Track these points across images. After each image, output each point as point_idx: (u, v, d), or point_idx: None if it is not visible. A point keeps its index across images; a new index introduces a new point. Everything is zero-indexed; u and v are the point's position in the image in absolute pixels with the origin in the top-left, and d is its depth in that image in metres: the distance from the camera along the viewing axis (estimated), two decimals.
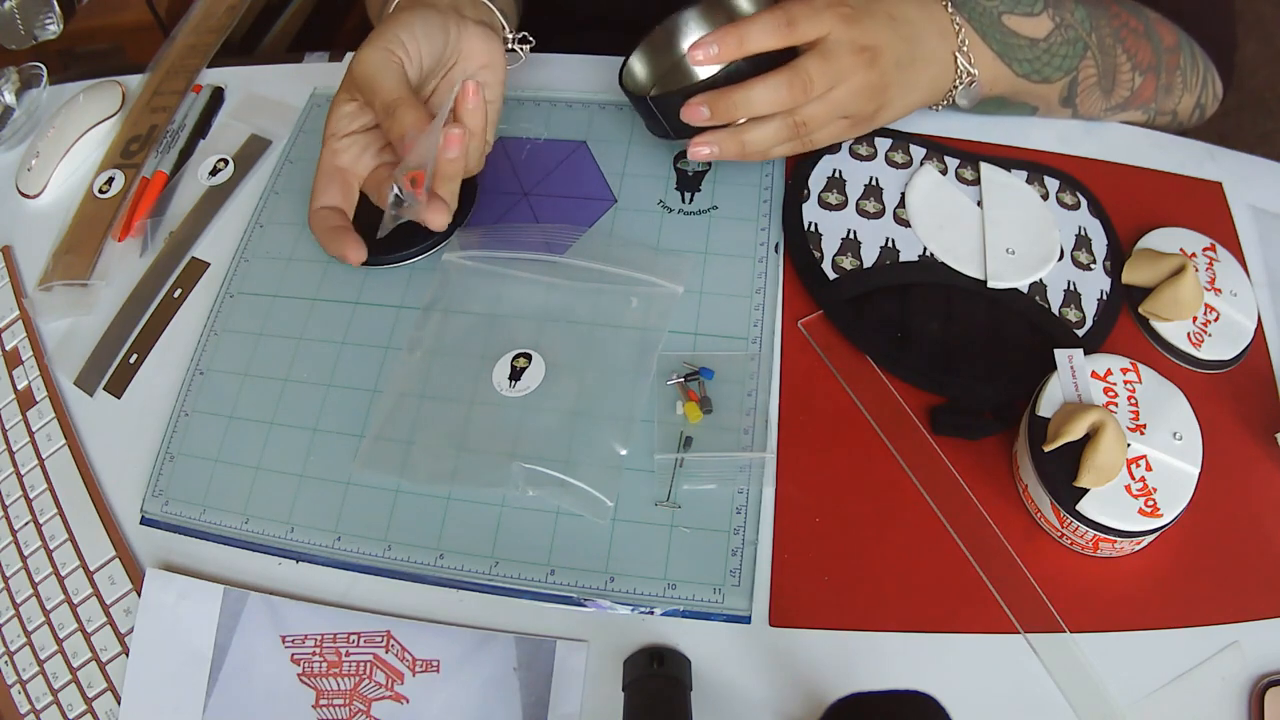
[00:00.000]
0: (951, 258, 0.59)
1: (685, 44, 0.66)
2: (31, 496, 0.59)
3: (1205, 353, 0.56)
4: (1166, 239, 0.60)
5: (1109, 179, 0.64)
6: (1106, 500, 0.47)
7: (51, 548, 0.57)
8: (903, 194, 0.62)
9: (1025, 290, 0.58)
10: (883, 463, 0.53)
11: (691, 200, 0.64)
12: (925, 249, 0.59)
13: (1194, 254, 0.59)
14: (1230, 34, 0.71)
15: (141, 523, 0.56)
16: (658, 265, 0.60)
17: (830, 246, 0.60)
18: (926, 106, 0.62)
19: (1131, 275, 0.58)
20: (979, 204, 0.61)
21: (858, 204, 0.62)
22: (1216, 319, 0.57)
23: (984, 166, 0.63)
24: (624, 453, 0.54)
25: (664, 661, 0.47)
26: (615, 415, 0.55)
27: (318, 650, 0.51)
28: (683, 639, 0.49)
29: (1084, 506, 0.47)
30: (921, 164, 0.63)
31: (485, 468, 0.54)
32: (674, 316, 0.58)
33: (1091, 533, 0.48)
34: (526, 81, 0.72)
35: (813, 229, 0.61)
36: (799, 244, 0.60)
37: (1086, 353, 0.52)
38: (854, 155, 0.64)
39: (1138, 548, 0.50)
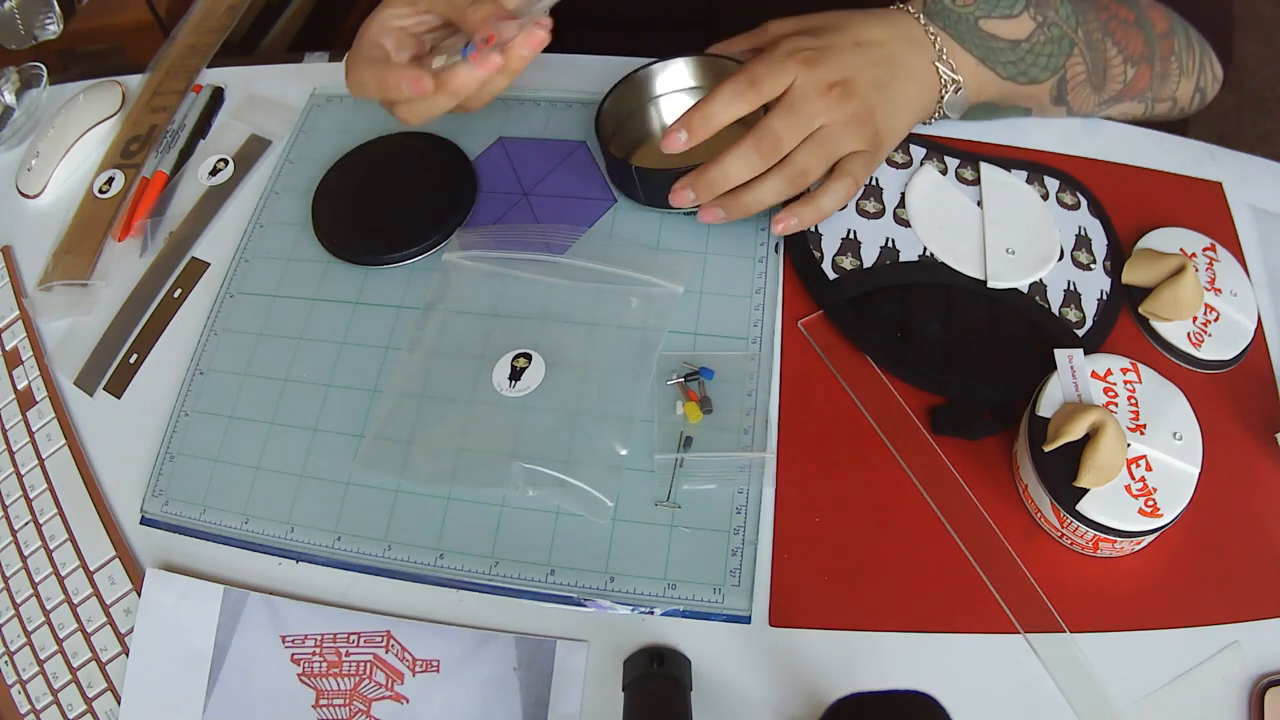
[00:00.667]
0: (951, 258, 0.59)
1: (654, 90, 0.67)
2: (31, 496, 0.59)
3: (1205, 353, 0.56)
4: (1166, 239, 0.60)
5: (1109, 179, 0.64)
6: (1106, 500, 0.47)
7: (51, 548, 0.57)
8: (903, 194, 0.62)
9: (1025, 290, 0.58)
10: (883, 463, 0.53)
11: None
12: (925, 249, 0.59)
13: (1194, 254, 0.59)
14: (1226, 13, 0.70)
15: (141, 523, 0.56)
16: (658, 265, 0.60)
17: (830, 246, 0.60)
18: (921, 121, 0.62)
19: (1131, 275, 0.58)
20: (979, 204, 0.61)
21: (857, 204, 0.62)
22: (1216, 319, 0.57)
23: (984, 166, 0.63)
24: (624, 453, 0.54)
25: (664, 661, 0.47)
26: (615, 415, 0.55)
27: (318, 650, 0.51)
28: (683, 639, 0.49)
29: (1084, 506, 0.47)
30: (921, 164, 0.63)
31: (485, 468, 0.54)
32: (674, 316, 0.58)
33: (1091, 533, 0.48)
34: (526, 81, 0.72)
35: (813, 229, 0.61)
36: (799, 244, 0.60)
37: (1086, 353, 0.52)
38: None
39: (1138, 548, 0.50)
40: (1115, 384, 0.51)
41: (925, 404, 0.55)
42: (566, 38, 0.75)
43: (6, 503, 0.60)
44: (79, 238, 0.69)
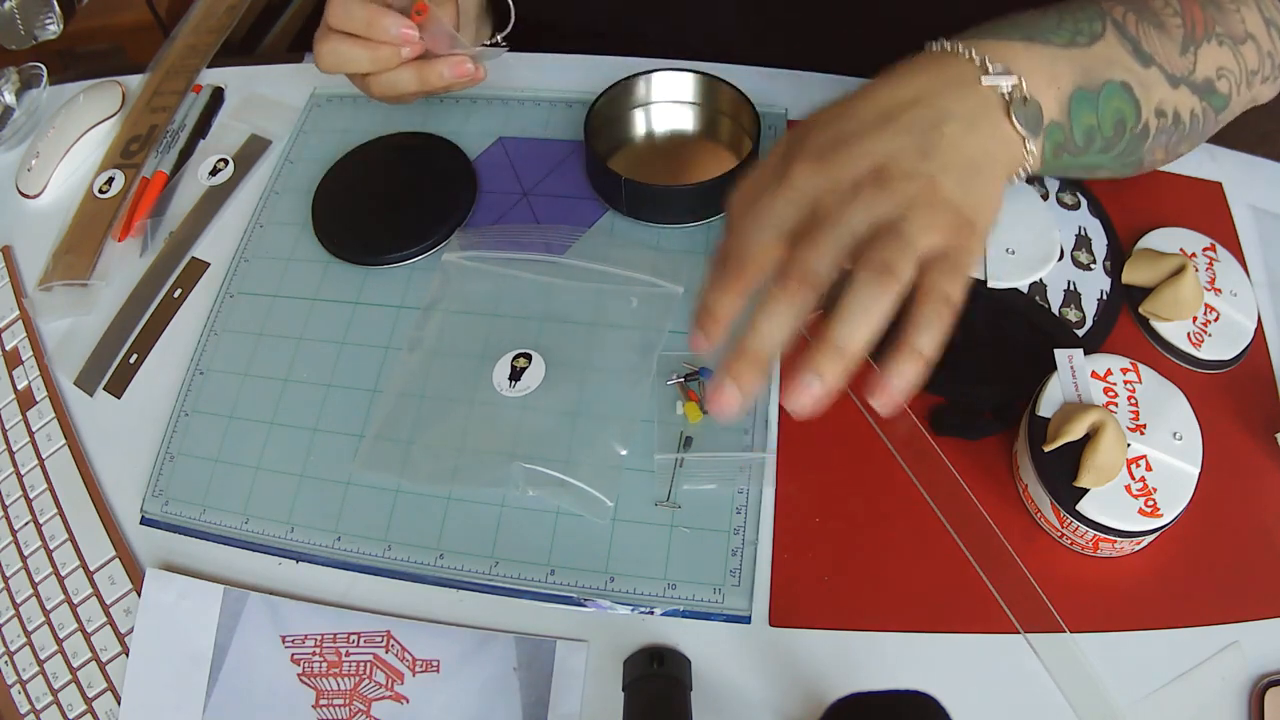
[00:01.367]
0: None
1: (644, 98, 0.67)
2: (31, 496, 0.59)
3: (1205, 353, 0.56)
4: (1166, 239, 0.60)
5: (1109, 179, 0.63)
6: (1106, 500, 0.47)
7: (51, 548, 0.57)
8: None
9: (1025, 290, 0.58)
10: (883, 463, 0.53)
11: None
12: None
13: (1194, 254, 0.59)
14: None
15: (141, 523, 0.56)
16: (658, 265, 0.60)
17: None
18: (1017, 170, 0.48)
19: (1131, 275, 0.58)
20: None
21: None
22: (1216, 319, 0.57)
23: None
24: (624, 453, 0.54)
25: (664, 661, 0.47)
26: (615, 415, 0.55)
27: (318, 650, 0.51)
28: (683, 639, 0.49)
29: (1084, 506, 0.47)
30: None
31: (485, 468, 0.54)
32: (674, 316, 0.58)
33: (1091, 533, 0.48)
34: (527, 81, 0.72)
35: None
36: None
37: (1086, 353, 0.52)
38: None
39: (1138, 548, 0.50)
40: (1115, 384, 0.51)
41: (925, 404, 0.55)
42: (557, 42, 0.75)
43: (6, 503, 0.60)
44: (79, 238, 0.69)
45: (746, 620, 0.49)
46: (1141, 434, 0.49)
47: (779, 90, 0.69)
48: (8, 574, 0.57)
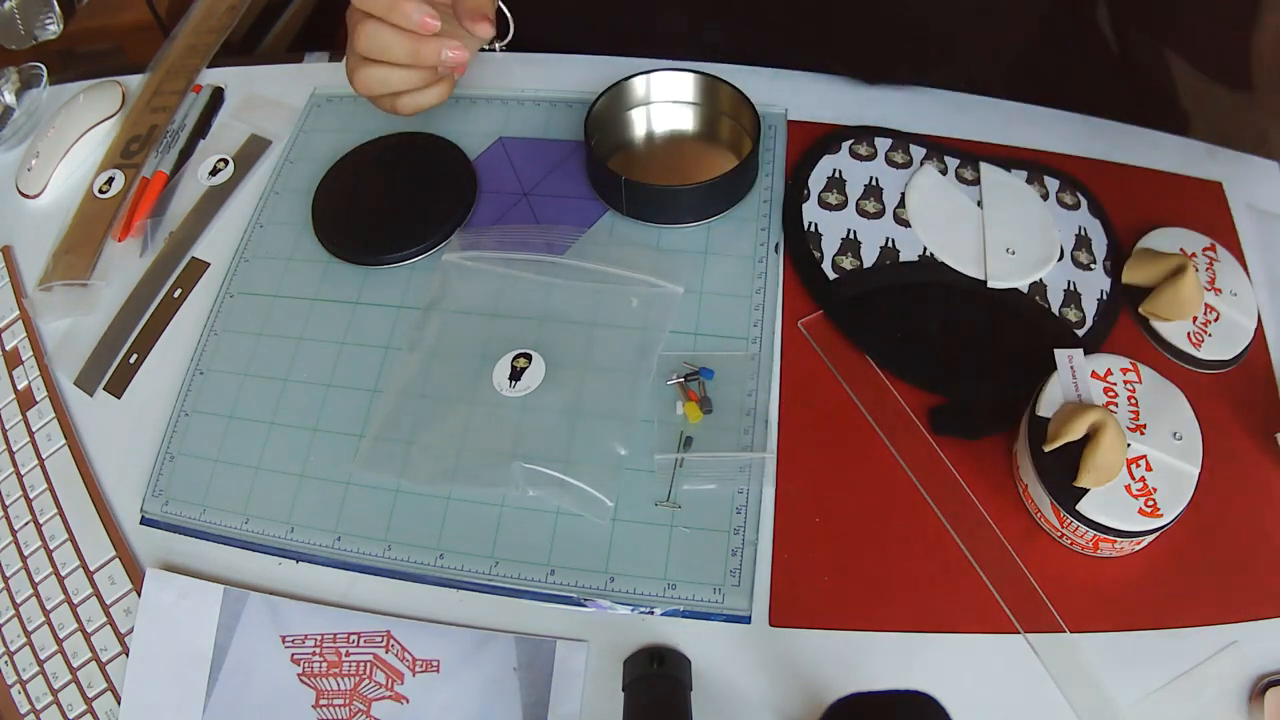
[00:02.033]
0: (951, 258, 0.59)
1: (644, 98, 0.67)
2: (31, 496, 0.59)
3: (1205, 353, 0.56)
4: (1166, 239, 0.60)
5: (1109, 179, 0.64)
6: (1106, 500, 0.47)
7: (51, 548, 0.57)
8: (903, 194, 0.62)
9: (1025, 290, 0.58)
10: (883, 463, 0.53)
11: None
12: (925, 249, 0.59)
13: (1194, 254, 0.59)
14: None
15: (141, 523, 0.56)
16: (658, 265, 0.60)
17: (830, 246, 0.60)
18: None
19: (1131, 275, 0.58)
20: (979, 204, 0.61)
21: (858, 204, 0.62)
22: (1216, 319, 0.57)
23: (984, 166, 0.63)
24: (624, 453, 0.54)
25: (664, 661, 0.47)
26: (615, 415, 0.55)
27: (318, 650, 0.51)
28: (683, 639, 0.49)
29: (1084, 506, 0.47)
30: (921, 164, 0.63)
31: (485, 468, 0.54)
32: (674, 317, 0.58)
33: (1091, 533, 0.48)
34: (527, 81, 0.72)
35: (813, 229, 0.61)
36: (799, 244, 0.60)
37: (1086, 353, 0.52)
38: (854, 155, 0.64)
39: (1138, 548, 0.50)
40: (1115, 384, 0.51)
41: (925, 404, 0.55)
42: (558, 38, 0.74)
43: (6, 503, 0.60)
44: (79, 238, 0.69)
45: (746, 620, 0.49)
46: (1141, 434, 0.49)
47: (779, 90, 0.69)
48: (8, 574, 0.57)
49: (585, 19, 0.75)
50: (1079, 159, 0.65)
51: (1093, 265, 0.59)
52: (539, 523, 0.53)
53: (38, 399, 0.62)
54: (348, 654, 0.51)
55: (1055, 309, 0.57)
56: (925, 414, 0.55)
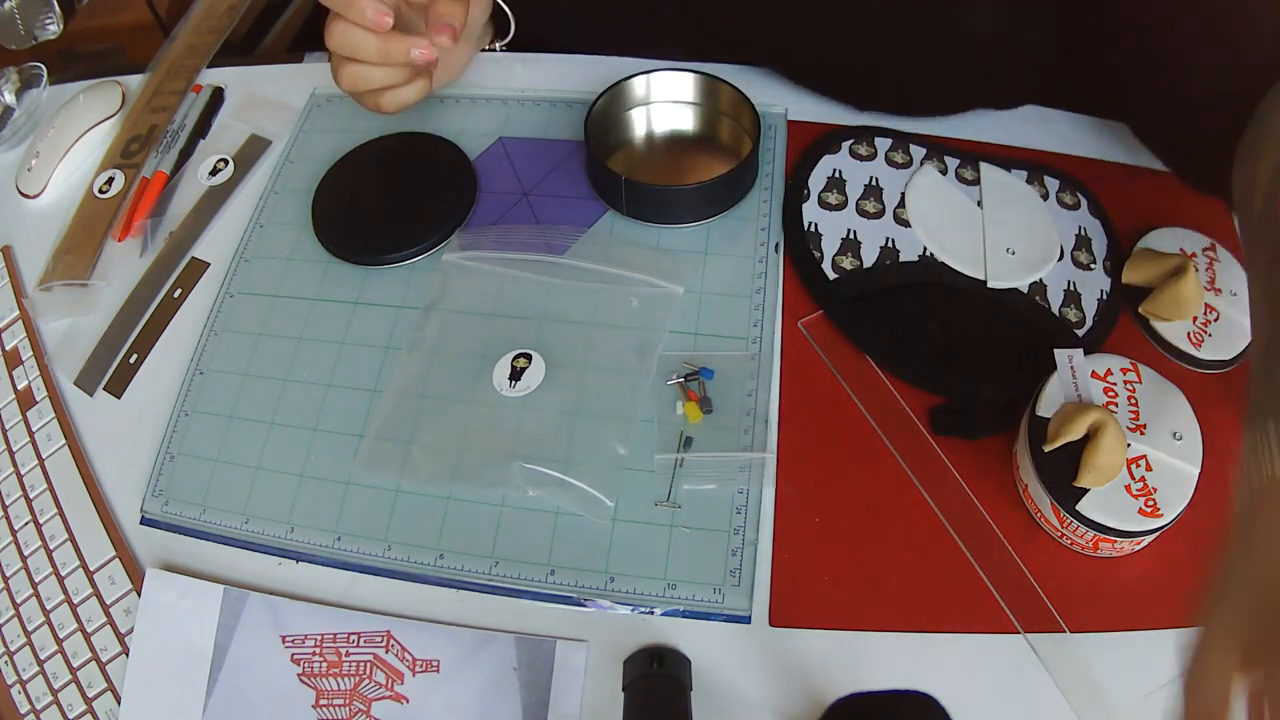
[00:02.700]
0: (951, 258, 0.59)
1: (644, 98, 0.67)
2: (31, 496, 0.59)
3: (1205, 353, 0.56)
4: (1166, 239, 0.60)
5: (1109, 179, 0.64)
6: (1106, 500, 0.47)
7: (51, 548, 0.57)
8: (903, 194, 0.62)
9: (1025, 290, 0.58)
10: (883, 463, 0.53)
11: None
12: (925, 249, 0.59)
13: (1194, 254, 0.59)
14: None
15: (141, 523, 0.56)
16: (658, 265, 0.60)
17: (830, 246, 0.60)
18: None
19: (1131, 275, 0.58)
20: (979, 204, 0.61)
21: (858, 204, 0.62)
22: (1216, 319, 0.57)
23: (984, 166, 0.63)
24: (624, 453, 0.54)
25: (664, 661, 0.47)
26: (615, 415, 0.55)
27: (318, 650, 0.51)
28: (683, 639, 0.49)
29: (1084, 506, 0.47)
30: (921, 164, 0.63)
31: (485, 468, 0.54)
32: (674, 317, 0.58)
33: (1091, 533, 0.48)
34: (526, 81, 0.72)
35: (813, 229, 0.61)
36: (799, 244, 0.60)
37: (1086, 353, 0.52)
38: (854, 155, 0.64)
39: (1138, 548, 0.50)
40: (1115, 384, 0.51)
41: (925, 404, 0.55)
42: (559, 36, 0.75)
43: (6, 503, 0.60)
44: (79, 238, 0.69)
45: (746, 620, 0.49)
46: (1141, 434, 0.49)
47: (779, 90, 0.69)
48: (8, 574, 0.57)
49: (585, 17, 0.75)
50: (1079, 159, 0.65)
51: (1093, 265, 0.59)
52: (539, 523, 0.53)
53: (38, 399, 0.62)
54: (348, 654, 0.51)
55: (1055, 309, 0.57)
56: (925, 414, 0.55)
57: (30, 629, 0.55)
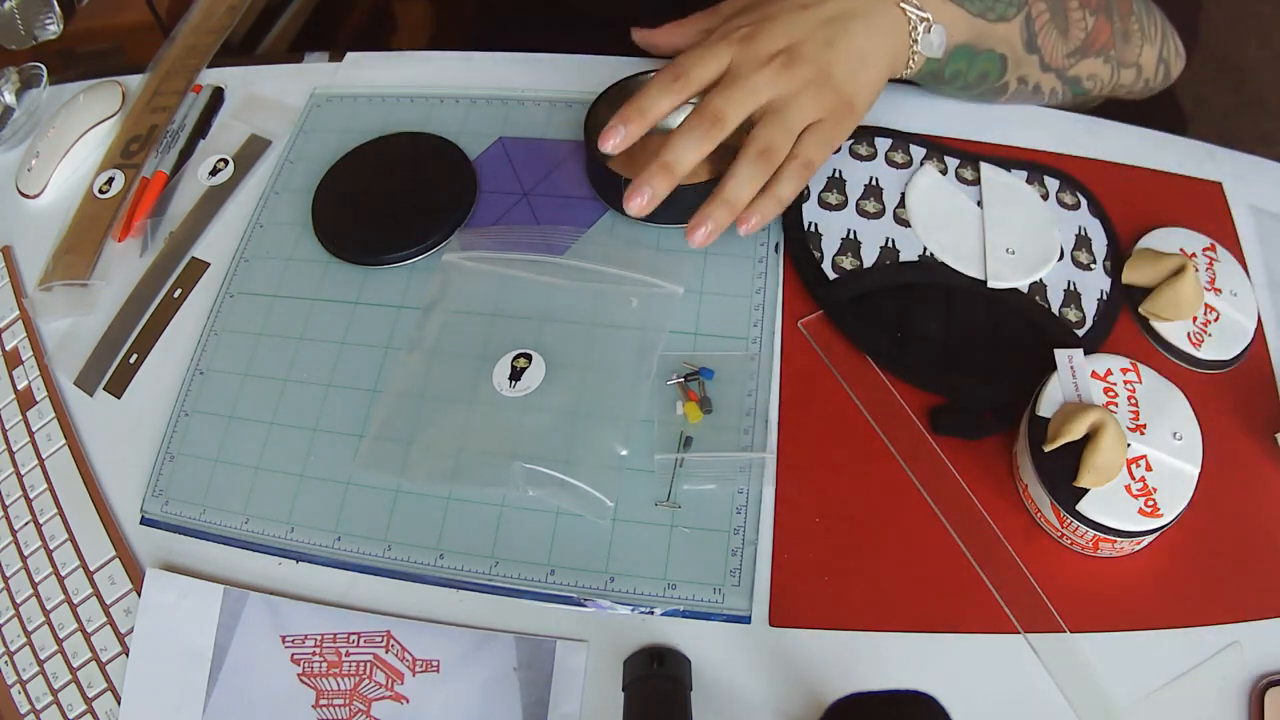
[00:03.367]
0: (951, 258, 0.59)
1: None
2: (31, 496, 0.59)
3: (1205, 353, 0.56)
4: (1166, 239, 0.60)
5: (1109, 179, 0.64)
6: (1106, 500, 0.47)
7: (51, 548, 0.57)
8: (903, 194, 0.62)
9: (1025, 290, 0.58)
10: (883, 463, 0.53)
11: None
12: (925, 249, 0.59)
13: (1194, 254, 0.59)
14: None
15: (141, 523, 0.56)
16: (658, 265, 0.60)
17: (830, 246, 0.60)
18: (897, 72, 0.60)
19: (1131, 275, 0.58)
20: (979, 204, 0.61)
21: (858, 204, 0.62)
22: (1216, 319, 0.57)
23: (984, 166, 0.63)
24: (624, 453, 0.54)
25: (664, 661, 0.47)
26: (615, 415, 0.55)
27: (318, 650, 0.51)
28: (683, 639, 0.49)
29: (1084, 506, 0.47)
30: (921, 164, 0.63)
31: (485, 468, 0.54)
32: (674, 317, 0.58)
33: (1091, 533, 0.48)
34: (526, 82, 0.72)
35: (813, 229, 0.61)
36: (799, 244, 0.60)
37: (1086, 353, 0.52)
38: (854, 155, 0.64)
39: (1138, 548, 0.50)
40: (1115, 384, 0.51)
41: (925, 404, 0.55)
42: (559, 35, 0.75)
43: (6, 503, 0.60)
44: (79, 238, 0.69)
45: (746, 620, 0.49)
46: (1141, 434, 0.49)
47: None
48: (8, 574, 0.57)
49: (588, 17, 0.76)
50: (1079, 159, 0.65)
51: (1093, 265, 0.59)
52: (539, 523, 0.53)
53: (38, 399, 0.62)
54: (348, 654, 0.51)
55: (1055, 309, 0.57)
56: (925, 414, 0.55)
57: (30, 629, 0.55)
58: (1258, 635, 0.48)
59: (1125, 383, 0.51)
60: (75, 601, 0.55)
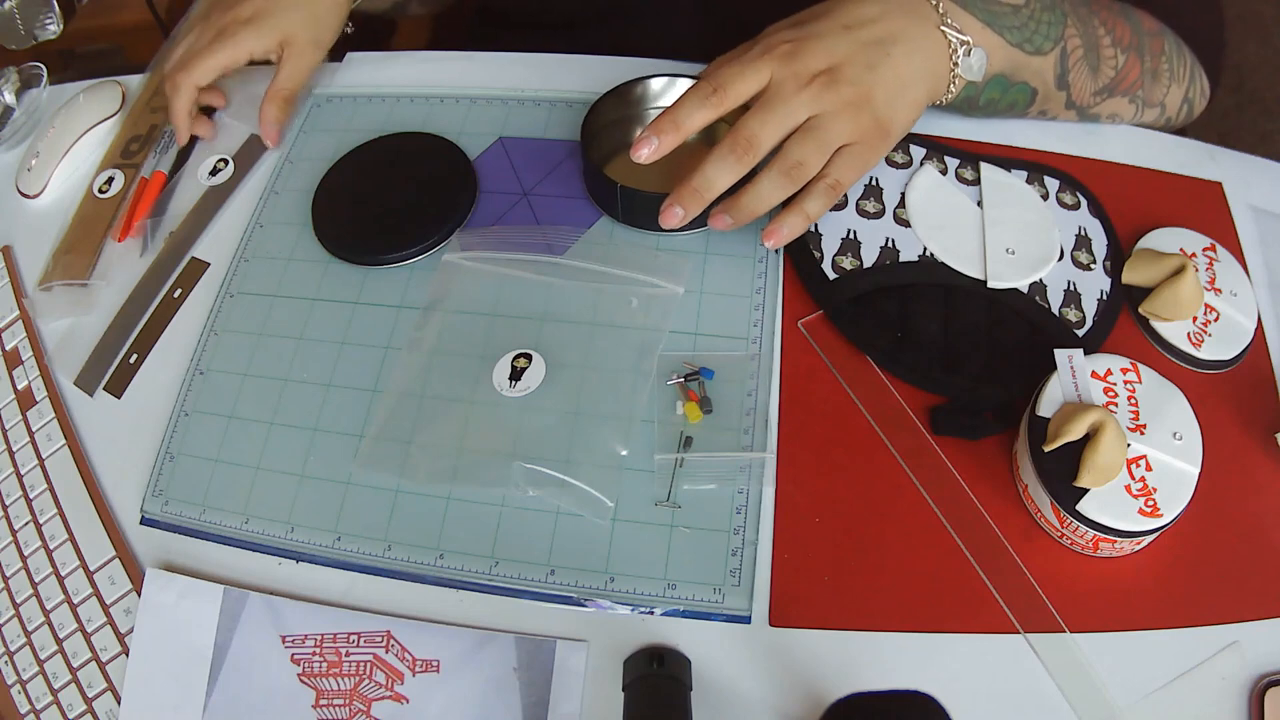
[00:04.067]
0: (951, 258, 0.59)
1: (643, 104, 0.67)
2: (31, 496, 0.59)
3: (1205, 353, 0.56)
4: (1166, 239, 0.60)
5: (1109, 179, 0.64)
6: (1106, 500, 0.47)
7: (51, 548, 0.57)
8: (903, 194, 0.62)
9: (1025, 290, 0.58)
10: (883, 463, 0.53)
11: None
12: (925, 249, 0.59)
13: (1194, 254, 0.59)
14: (1219, 34, 0.69)
15: (141, 523, 0.56)
16: (658, 266, 0.60)
17: (830, 246, 0.60)
18: (936, 97, 0.59)
19: (1131, 275, 0.58)
20: (979, 204, 0.61)
21: (857, 204, 0.62)
22: (1216, 319, 0.57)
23: (984, 166, 0.63)
24: (624, 453, 0.54)
25: (664, 661, 0.47)
26: (615, 415, 0.55)
27: (318, 650, 0.51)
28: (683, 639, 0.49)
29: (1084, 506, 0.47)
30: (921, 164, 0.63)
31: (485, 468, 0.54)
32: (674, 317, 0.58)
33: (1091, 533, 0.48)
34: (527, 81, 0.72)
35: (813, 229, 0.61)
36: (799, 244, 0.60)
37: (1086, 353, 0.52)
38: None
39: (1138, 548, 0.50)
40: (1115, 384, 0.51)
41: (925, 404, 0.55)
42: (504, 39, 0.75)
43: (6, 503, 0.60)
44: (79, 238, 0.69)
45: (746, 620, 0.49)
46: (1141, 434, 0.49)
47: None
48: (8, 574, 0.57)
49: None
50: (1079, 159, 0.65)
51: (1093, 265, 0.59)
52: (539, 523, 0.53)
53: (38, 399, 0.62)
54: (348, 654, 0.51)
55: (1055, 309, 0.57)
56: (925, 414, 0.55)
57: (30, 629, 0.55)
58: (1258, 635, 0.48)
59: (1125, 383, 0.51)
60: (75, 601, 0.55)
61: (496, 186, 0.66)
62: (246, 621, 0.52)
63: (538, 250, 0.62)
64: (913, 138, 0.65)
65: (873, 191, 0.62)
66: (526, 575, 0.51)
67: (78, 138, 0.74)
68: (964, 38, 0.57)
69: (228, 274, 0.65)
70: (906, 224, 0.61)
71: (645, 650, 0.48)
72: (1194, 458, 0.48)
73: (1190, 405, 0.50)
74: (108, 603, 0.54)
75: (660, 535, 0.52)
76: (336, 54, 0.77)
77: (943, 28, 0.56)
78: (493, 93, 0.72)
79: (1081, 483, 0.47)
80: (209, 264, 0.66)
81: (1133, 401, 0.50)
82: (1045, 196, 0.62)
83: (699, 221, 0.62)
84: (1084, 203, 0.62)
